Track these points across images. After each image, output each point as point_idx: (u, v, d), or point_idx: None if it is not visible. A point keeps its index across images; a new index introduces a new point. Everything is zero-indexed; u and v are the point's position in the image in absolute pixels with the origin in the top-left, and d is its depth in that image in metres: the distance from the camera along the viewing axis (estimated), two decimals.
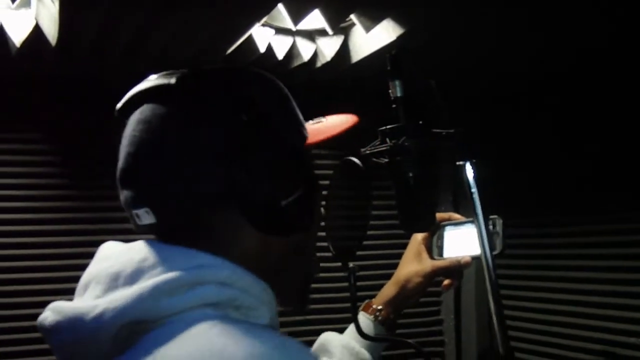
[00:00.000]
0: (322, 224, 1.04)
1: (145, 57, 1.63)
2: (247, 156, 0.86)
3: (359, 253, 1.13)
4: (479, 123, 1.96)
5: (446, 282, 1.49)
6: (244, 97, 0.89)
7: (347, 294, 1.16)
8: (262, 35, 1.61)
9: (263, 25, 1.58)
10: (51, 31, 1.50)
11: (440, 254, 1.48)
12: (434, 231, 1.50)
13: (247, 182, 0.85)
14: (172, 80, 0.87)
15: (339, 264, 1.15)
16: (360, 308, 1.47)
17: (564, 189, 1.77)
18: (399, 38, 1.49)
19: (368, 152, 1.17)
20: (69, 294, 0.91)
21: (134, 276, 0.82)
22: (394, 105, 1.19)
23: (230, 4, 1.35)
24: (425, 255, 1.49)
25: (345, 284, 1.15)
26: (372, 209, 1.13)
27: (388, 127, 1.17)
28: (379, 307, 1.45)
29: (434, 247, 1.50)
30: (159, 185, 0.86)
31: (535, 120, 1.81)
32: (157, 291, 0.79)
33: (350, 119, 1.02)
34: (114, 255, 0.88)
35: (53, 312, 0.85)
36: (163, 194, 0.86)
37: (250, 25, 1.48)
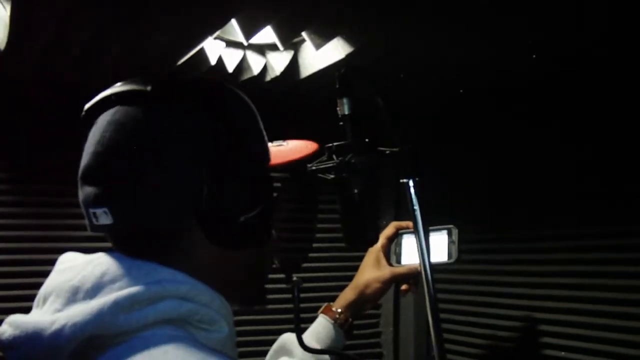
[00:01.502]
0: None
1: (97, 65, 1.62)
2: (213, 170, 0.86)
3: (303, 266, 1.15)
4: (432, 134, 2.01)
5: (404, 287, 1.55)
6: (218, 110, 0.89)
7: (309, 293, 1.17)
8: (213, 48, 1.62)
9: (215, 38, 1.59)
10: (0, 35, 1.48)
11: (399, 261, 1.54)
12: (392, 239, 1.55)
13: (210, 195, 0.85)
14: (149, 87, 0.88)
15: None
16: (321, 310, 1.54)
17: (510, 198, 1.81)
18: (348, 56, 1.52)
19: (314, 167, 1.19)
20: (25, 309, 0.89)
21: (94, 290, 0.82)
22: (341, 123, 1.22)
23: (183, 18, 1.36)
24: (384, 262, 1.55)
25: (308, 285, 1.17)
26: (317, 224, 1.15)
27: (335, 144, 1.20)
28: (339, 311, 1.52)
29: (392, 254, 1.56)
30: (121, 186, 0.86)
31: (493, 129, 1.85)
32: (116, 307, 0.78)
33: (311, 146, 1.05)
34: (75, 268, 0.87)
35: (10, 326, 0.84)
36: (124, 196, 0.86)
37: (203, 38, 1.49)
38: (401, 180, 1.23)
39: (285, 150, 1.02)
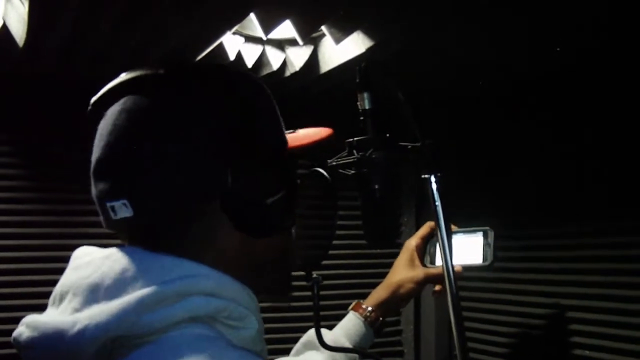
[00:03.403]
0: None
1: (115, 61, 1.62)
2: (233, 155, 0.83)
3: (323, 263, 1.14)
4: (460, 132, 1.99)
5: (437, 288, 1.53)
6: (235, 95, 0.87)
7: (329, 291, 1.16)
8: (232, 43, 1.61)
9: (234, 33, 1.58)
10: (19, 32, 1.48)
11: (432, 262, 1.53)
12: (427, 239, 1.53)
13: (231, 180, 0.82)
14: (161, 71, 0.85)
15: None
16: (351, 307, 1.53)
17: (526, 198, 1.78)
18: (369, 50, 1.51)
19: (335, 163, 1.18)
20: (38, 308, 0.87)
21: (116, 289, 0.78)
22: (361, 117, 1.20)
23: (202, 12, 1.35)
24: (417, 262, 1.54)
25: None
26: (338, 220, 1.14)
27: (355, 139, 1.18)
28: (370, 309, 1.51)
29: (426, 254, 1.55)
30: (139, 176, 0.82)
31: (517, 126, 1.82)
32: (141, 306, 0.75)
33: (324, 131, 1.02)
34: (91, 264, 0.83)
35: (28, 327, 0.81)
36: (143, 186, 0.82)
37: (222, 33, 1.48)
38: (422, 176, 1.21)
39: (300, 135, 1.00)
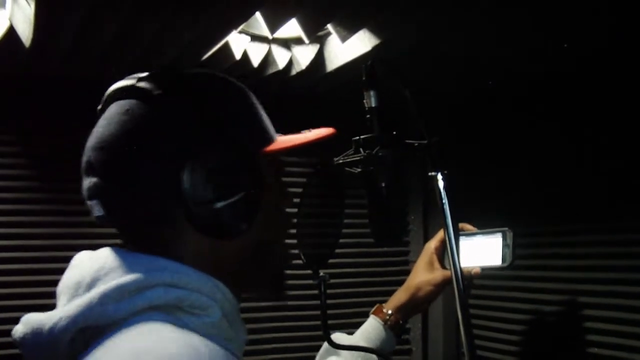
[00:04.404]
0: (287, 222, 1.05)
1: (122, 61, 1.62)
2: (193, 159, 0.87)
3: (329, 261, 1.14)
4: (470, 131, 1.99)
5: None
6: (195, 101, 0.91)
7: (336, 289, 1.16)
8: (238, 42, 1.61)
9: (239, 32, 1.58)
10: (25, 32, 1.49)
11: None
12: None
13: (190, 184, 0.87)
14: (129, 83, 0.92)
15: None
16: (371, 312, 1.53)
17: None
18: (375, 48, 1.51)
19: (341, 161, 1.18)
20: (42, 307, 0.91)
21: (91, 284, 0.86)
22: (368, 115, 1.20)
23: (208, 11, 1.35)
24: (437, 264, 1.54)
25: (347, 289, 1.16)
26: (344, 218, 1.14)
27: (362, 137, 1.18)
28: (390, 312, 1.51)
29: (446, 256, 1.52)
30: (108, 179, 0.90)
31: (523, 125, 1.82)
32: (105, 297, 0.82)
33: (325, 131, 1.03)
34: (80, 265, 0.91)
35: (23, 324, 0.88)
36: (111, 189, 0.90)
37: (227, 32, 1.48)
38: (429, 174, 1.21)
39: (301, 135, 1.01)
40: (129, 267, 0.86)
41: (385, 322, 1.50)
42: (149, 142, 0.88)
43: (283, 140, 0.99)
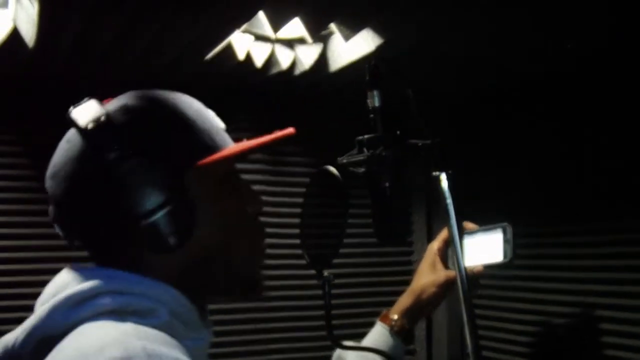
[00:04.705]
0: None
1: (125, 61, 1.62)
2: (115, 181, 0.91)
3: (333, 261, 1.13)
4: (470, 131, 1.99)
5: None
6: (122, 126, 0.93)
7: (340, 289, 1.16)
8: (241, 42, 1.61)
9: (243, 32, 1.58)
10: (29, 33, 1.49)
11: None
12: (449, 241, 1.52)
13: (119, 204, 0.91)
14: (70, 110, 0.97)
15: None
16: (379, 318, 1.51)
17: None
18: (378, 48, 1.50)
19: (345, 161, 1.18)
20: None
21: (48, 299, 0.90)
22: (371, 115, 1.20)
23: (210, 10, 1.35)
24: (440, 265, 1.52)
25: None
26: (348, 218, 1.13)
27: (365, 136, 1.18)
28: (395, 317, 1.49)
29: (449, 257, 1.51)
30: (58, 205, 0.97)
31: (525, 124, 1.82)
32: (54, 308, 0.87)
33: (281, 133, 1.02)
34: (48, 286, 0.96)
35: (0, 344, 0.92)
36: (62, 214, 0.97)
37: (230, 32, 1.48)
38: (433, 174, 1.20)
39: (250, 141, 1.02)
40: (81, 280, 0.91)
41: (391, 328, 1.48)
42: (83, 170, 0.93)
43: (230, 148, 1.00)
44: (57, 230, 0.99)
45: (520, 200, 1.81)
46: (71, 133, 0.97)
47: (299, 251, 1.11)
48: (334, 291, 1.16)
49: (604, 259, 1.56)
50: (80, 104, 0.98)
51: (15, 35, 1.49)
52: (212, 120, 1.01)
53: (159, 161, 0.93)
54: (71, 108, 0.97)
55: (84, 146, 0.93)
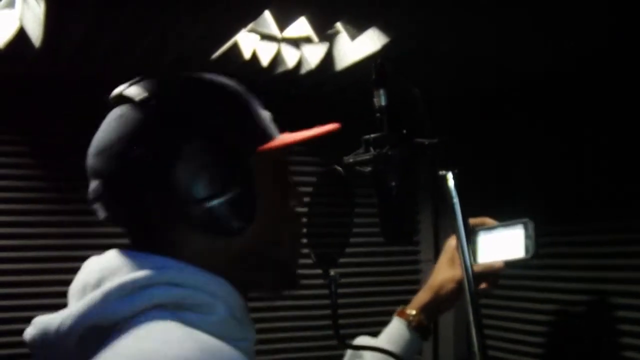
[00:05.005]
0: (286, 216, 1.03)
1: (130, 60, 1.62)
2: (179, 160, 0.89)
3: (340, 261, 1.13)
4: (470, 130, 1.98)
5: (482, 285, 1.46)
6: (184, 104, 0.93)
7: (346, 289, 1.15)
8: (247, 41, 1.61)
9: (249, 31, 1.58)
10: (35, 32, 1.49)
11: (475, 259, 1.47)
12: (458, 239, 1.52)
13: (180, 184, 0.89)
14: (124, 88, 0.95)
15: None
16: (395, 313, 1.50)
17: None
18: (384, 47, 1.50)
19: (351, 160, 1.17)
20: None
21: (96, 284, 0.88)
22: (377, 114, 1.20)
23: (216, 9, 1.35)
24: (458, 261, 1.47)
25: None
26: (354, 217, 1.13)
27: (371, 135, 1.17)
28: (413, 313, 1.48)
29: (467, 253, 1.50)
30: (106, 183, 0.92)
31: (530, 123, 1.82)
32: (107, 296, 0.84)
33: (328, 126, 1.02)
34: (87, 268, 0.93)
35: (32, 326, 0.89)
36: (109, 192, 0.92)
37: (236, 30, 1.48)
38: (439, 173, 1.20)
39: (301, 133, 1.01)
40: (133, 267, 0.88)
41: (409, 323, 1.47)
42: (141, 146, 0.90)
43: (284, 138, 0.99)
44: (96, 208, 0.95)
45: (522, 199, 1.80)
46: (122, 110, 0.94)
47: (305, 250, 1.11)
48: (339, 290, 1.16)
49: (613, 258, 1.55)
50: (134, 82, 0.95)
51: (21, 34, 1.49)
52: (263, 108, 1.01)
53: (224, 142, 0.92)
54: (123, 86, 0.95)
55: (143, 122, 0.91)
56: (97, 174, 0.93)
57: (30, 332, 0.88)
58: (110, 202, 0.93)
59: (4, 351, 1.70)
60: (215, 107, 0.95)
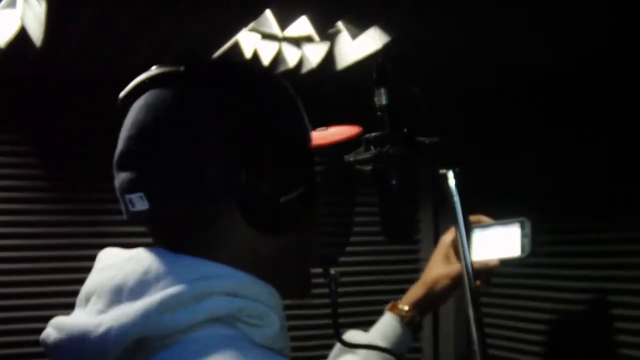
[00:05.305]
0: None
1: (131, 60, 1.62)
2: (248, 152, 0.83)
3: (340, 260, 1.13)
4: (472, 128, 1.99)
5: (476, 282, 1.47)
6: (251, 91, 0.87)
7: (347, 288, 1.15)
8: (248, 41, 1.61)
9: (250, 30, 1.58)
10: (36, 32, 1.49)
11: None
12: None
13: (246, 178, 0.82)
14: (181, 68, 0.86)
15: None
16: (387, 308, 1.50)
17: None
18: (385, 46, 1.50)
19: (352, 159, 1.17)
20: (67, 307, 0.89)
21: (138, 290, 0.80)
22: (378, 113, 1.20)
23: (217, 9, 1.35)
24: (453, 257, 1.50)
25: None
26: (355, 216, 1.13)
27: (372, 134, 1.17)
28: (405, 308, 1.48)
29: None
30: (155, 169, 0.83)
31: (531, 119, 1.82)
32: (162, 307, 0.76)
33: (354, 129, 1.01)
34: (115, 265, 0.85)
35: (55, 329, 0.83)
36: (159, 179, 0.83)
37: (237, 30, 1.48)
38: (440, 172, 1.20)
39: (326, 133, 0.99)
40: (180, 273, 0.80)
41: (402, 318, 1.47)
42: (200, 131, 0.83)
43: (317, 137, 0.96)
44: (132, 200, 0.85)
45: (523, 197, 1.80)
46: (174, 91, 0.85)
47: None
48: (340, 289, 1.16)
49: (614, 256, 1.56)
50: (191, 63, 0.87)
51: (22, 34, 1.49)
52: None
53: (289, 135, 0.88)
54: (176, 63, 0.87)
55: (205, 104, 0.84)
56: (138, 161, 0.85)
57: (52, 334, 0.83)
58: (154, 191, 0.83)
59: (5, 351, 1.71)
60: (276, 99, 0.90)
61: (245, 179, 0.82)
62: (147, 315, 0.76)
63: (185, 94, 0.85)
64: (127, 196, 0.85)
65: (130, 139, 0.86)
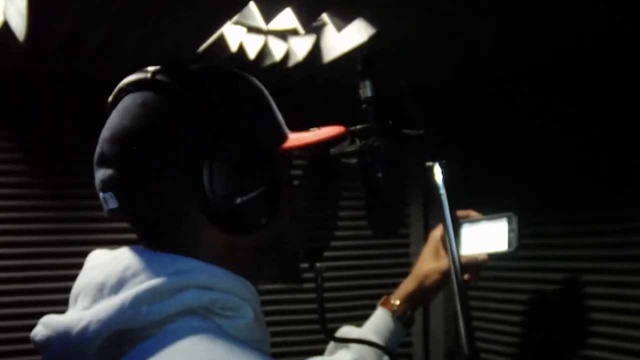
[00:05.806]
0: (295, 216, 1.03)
1: (117, 54, 1.61)
2: (209, 155, 0.86)
3: (326, 254, 1.13)
4: (468, 119, 1.98)
5: (465, 277, 1.47)
6: (213, 97, 0.91)
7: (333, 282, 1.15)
8: (233, 34, 1.60)
9: (235, 23, 1.57)
10: (19, 26, 1.48)
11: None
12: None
13: (208, 178, 0.85)
14: (148, 75, 0.90)
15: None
16: (379, 303, 1.52)
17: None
18: (371, 38, 1.49)
19: (337, 152, 1.17)
20: (57, 304, 0.92)
21: (118, 286, 0.84)
22: (363, 105, 1.19)
23: (201, 2, 1.34)
24: (443, 252, 1.52)
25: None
26: (340, 210, 1.13)
27: (357, 127, 1.17)
28: (397, 303, 1.50)
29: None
30: (124, 171, 0.88)
31: (518, 112, 1.82)
32: (137, 300, 0.81)
33: (336, 129, 1.02)
34: (101, 265, 0.89)
35: (44, 326, 0.87)
36: (127, 181, 0.88)
37: (221, 23, 1.47)
38: (426, 164, 1.20)
39: (312, 134, 1.01)
40: (156, 268, 0.85)
41: (393, 312, 1.49)
42: (168, 136, 0.87)
43: (295, 138, 0.99)
44: (106, 198, 0.90)
45: (518, 189, 1.80)
46: (145, 97, 0.89)
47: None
48: (330, 285, 1.15)
49: (605, 248, 1.55)
50: (160, 70, 0.91)
51: (5, 28, 1.47)
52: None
53: (256, 140, 0.91)
54: (143, 72, 0.91)
55: (175, 112, 0.87)
56: (111, 161, 0.89)
57: (41, 332, 0.86)
58: (124, 191, 0.88)
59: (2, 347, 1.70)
60: (245, 102, 0.93)
61: (207, 181, 0.86)
62: (122, 308, 0.80)
63: (149, 102, 0.89)
64: (102, 194, 0.91)
65: (104, 141, 0.91)
